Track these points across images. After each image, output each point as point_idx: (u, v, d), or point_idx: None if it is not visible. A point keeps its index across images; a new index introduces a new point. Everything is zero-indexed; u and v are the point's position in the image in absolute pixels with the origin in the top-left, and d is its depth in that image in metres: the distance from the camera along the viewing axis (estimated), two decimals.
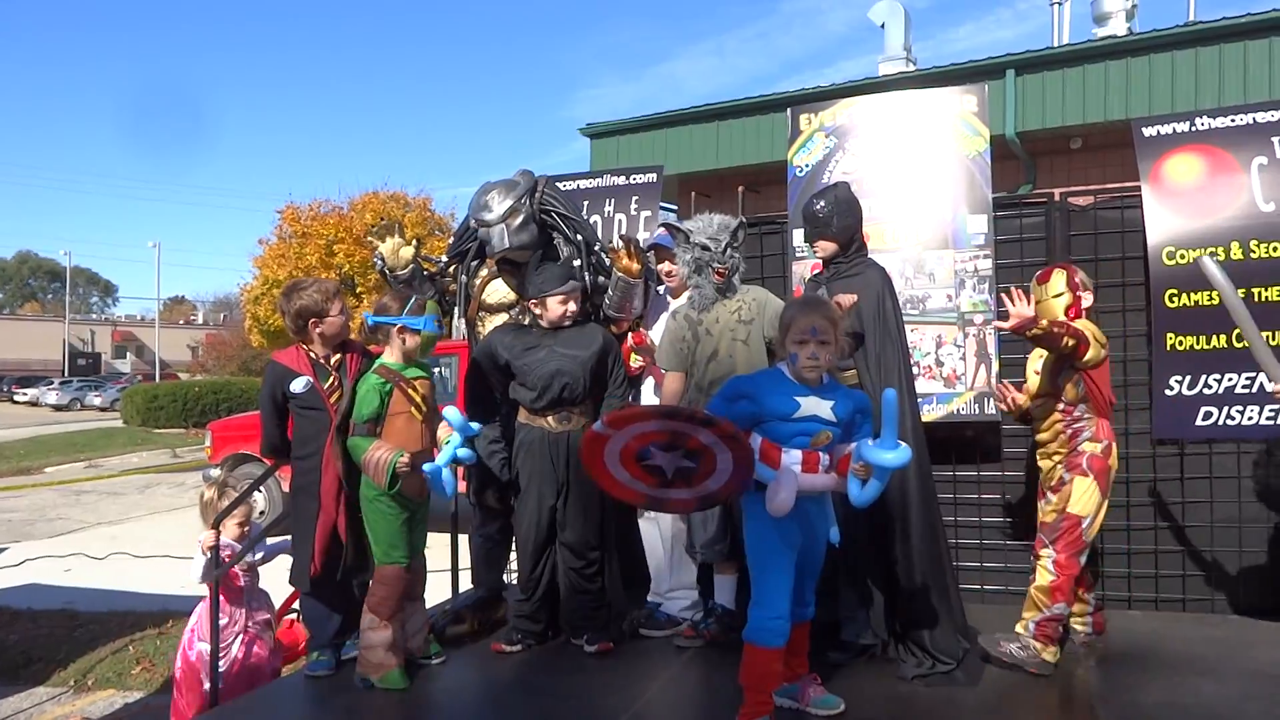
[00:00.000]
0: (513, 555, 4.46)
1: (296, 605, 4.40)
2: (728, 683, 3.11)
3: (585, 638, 3.88)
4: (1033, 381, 3.77)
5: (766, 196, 9.15)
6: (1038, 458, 3.78)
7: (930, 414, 4.34)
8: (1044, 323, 3.42)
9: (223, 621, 4.04)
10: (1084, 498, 3.53)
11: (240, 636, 4.06)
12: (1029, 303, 3.47)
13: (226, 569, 3.98)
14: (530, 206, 4.07)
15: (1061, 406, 3.61)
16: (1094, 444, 3.57)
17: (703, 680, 3.66)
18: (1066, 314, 3.64)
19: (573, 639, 3.94)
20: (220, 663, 3.99)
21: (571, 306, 3.84)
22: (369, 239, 4.37)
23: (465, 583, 4.66)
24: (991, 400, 4.36)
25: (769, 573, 2.91)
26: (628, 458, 2.84)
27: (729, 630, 3.87)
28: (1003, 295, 3.58)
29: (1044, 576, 3.51)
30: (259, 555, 4.13)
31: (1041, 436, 3.72)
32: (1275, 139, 4.18)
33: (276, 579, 4.14)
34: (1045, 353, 3.65)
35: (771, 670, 2.96)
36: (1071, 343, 3.42)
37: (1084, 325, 3.54)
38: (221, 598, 4.05)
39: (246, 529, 4.25)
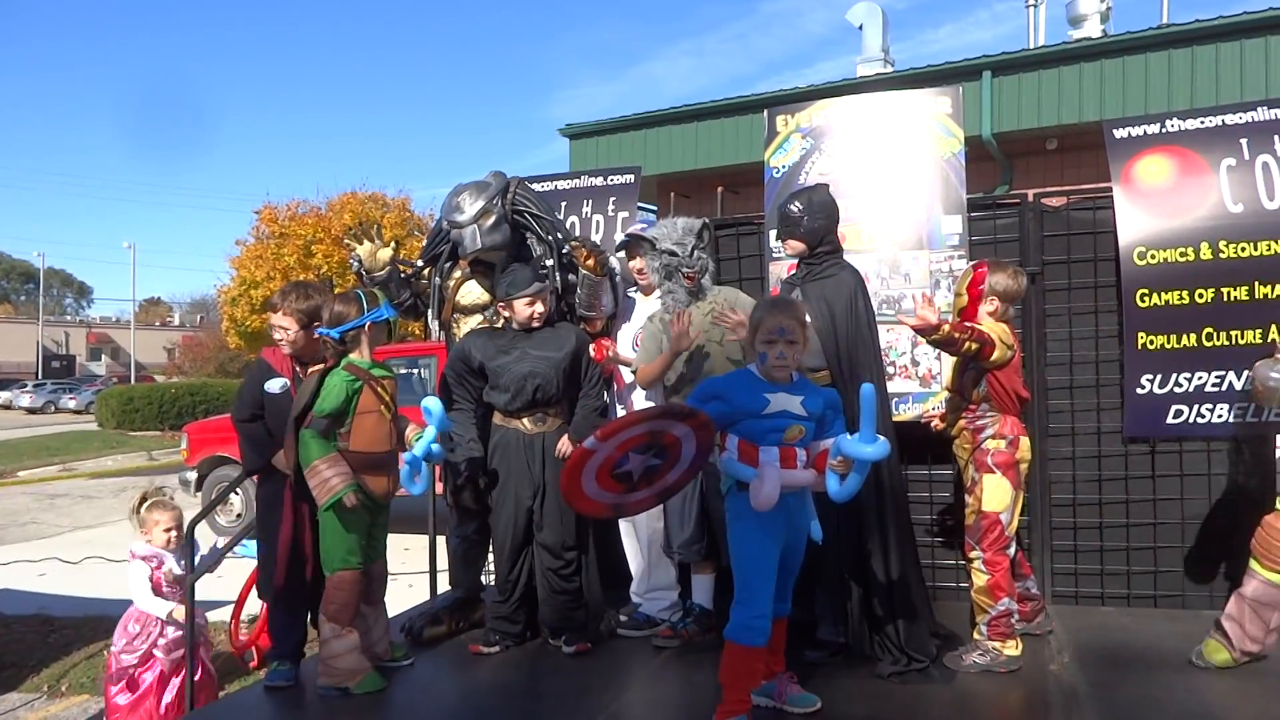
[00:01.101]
0: (490, 556, 4.46)
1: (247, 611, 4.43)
2: (706, 682, 3.12)
3: (563, 638, 3.88)
4: (950, 377, 3.82)
5: (745, 197, 9.20)
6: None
7: (906, 413, 4.37)
8: (945, 328, 3.41)
9: (134, 629, 4.21)
10: (995, 494, 3.56)
11: (149, 645, 4.19)
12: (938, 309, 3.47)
13: (209, 569, 3.98)
14: (502, 207, 4.07)
15: (967, 405, 3.65)
16: (997, 441, 3.58)
17: (681, 680, 3.66)
18: (962, 315, 3.65)
19: (551, 640, 3.94)
20: (143, 671, 4.16)
21: (538, 308, 3.83)
22: (347, 242, 4.36)
23: (443, 584, 4.65)
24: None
25: (754, 572, 2.92)
26: (604, 470, 2.84)
27: (707, 630, 3.89)
28: (915, 297, 3.60)
29: (979, 578, 3.55)
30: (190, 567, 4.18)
31: (952, 433, 3.77)
32: (1244, 140, 4.24)
33: (235, 582, 4.13)
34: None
35: (751, 669, 2.97)
36: (974, 346, 3.42)
37: (991, 327, 3.52)
38: (148, 605, 4.19)
39: (172, 534, 4.35)
